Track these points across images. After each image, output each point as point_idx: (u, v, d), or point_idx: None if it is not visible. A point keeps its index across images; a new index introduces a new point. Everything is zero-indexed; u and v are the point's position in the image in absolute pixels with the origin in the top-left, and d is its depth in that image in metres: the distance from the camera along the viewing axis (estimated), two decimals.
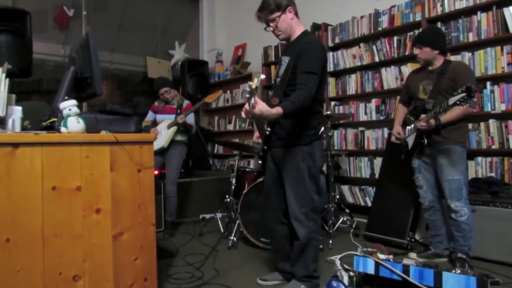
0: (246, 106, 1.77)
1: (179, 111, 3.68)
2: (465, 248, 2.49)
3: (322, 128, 2.20)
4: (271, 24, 2.17)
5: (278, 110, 1.88)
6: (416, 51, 2.61)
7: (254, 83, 1.70)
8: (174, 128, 3.60)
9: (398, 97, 3.57)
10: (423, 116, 2.51)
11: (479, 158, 3.20)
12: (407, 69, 3.68)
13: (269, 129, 2.20)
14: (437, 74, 2.55)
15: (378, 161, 3.95)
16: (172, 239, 3.49)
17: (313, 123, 2.15)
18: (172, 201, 3.64)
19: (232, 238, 3.19)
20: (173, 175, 3.64)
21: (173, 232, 3.70)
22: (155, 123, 3.82)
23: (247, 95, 1.68)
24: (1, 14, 3.29)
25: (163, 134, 3.61)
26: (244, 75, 5.55)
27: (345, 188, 4.24)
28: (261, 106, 1.78)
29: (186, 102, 3.80)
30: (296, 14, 2.19)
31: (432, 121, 2.44)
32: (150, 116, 3.86)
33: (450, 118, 2.44)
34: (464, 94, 2.12)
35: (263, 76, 1.79)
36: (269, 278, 2.38)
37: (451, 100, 2.19)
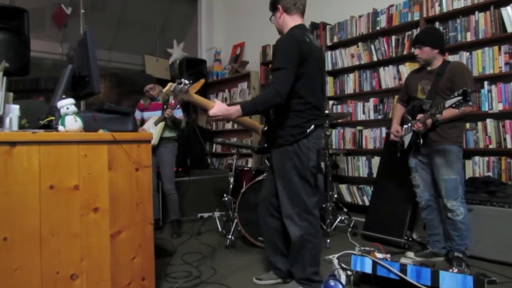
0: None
1: (165, 106, 3.58)
2: (461, 247, 2.50)
3: (312, 126, 2.08)
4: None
5: (235, 108, 1.98)
6: (416, 51, 2.61)
7: (167, 88, 1.91)
8: (161, 124, 3.52)
9: (396, 97, 3.58)
10: (419, 116, 2.52)
11: (477, 158, 3.21)
12: (405, 68, 3.69)
13: (266, 126, 2.23)
14: (436, 75, 2.56)
15: (376, 160, 3.96)
16: (170, 237, 3.49)
17: (297, 122, 2.08)
18: (174, 199, 3.62)
19: (230, 237, 3.19)
20: (169, 173, 3.61)
21: (180, 232, 3.65)
22: (142, 122, 3.76)
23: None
24: None
25: (151, 132, 3.51)
26: (242, 74, 5.54)
27: (343, 187, 4.25)
28: (216, 106, 1.96)
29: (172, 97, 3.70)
30: (285, 11, 2.17)
31: (429, 121, 2.46)
32: (137, 115, 3.76)
33: (449, 116, 2.44)
34: (460, 98, 2.13)
35: (182, 81, 1.90)
36: (264, 278, 2.39)
37: (448, 103, 2.21)
